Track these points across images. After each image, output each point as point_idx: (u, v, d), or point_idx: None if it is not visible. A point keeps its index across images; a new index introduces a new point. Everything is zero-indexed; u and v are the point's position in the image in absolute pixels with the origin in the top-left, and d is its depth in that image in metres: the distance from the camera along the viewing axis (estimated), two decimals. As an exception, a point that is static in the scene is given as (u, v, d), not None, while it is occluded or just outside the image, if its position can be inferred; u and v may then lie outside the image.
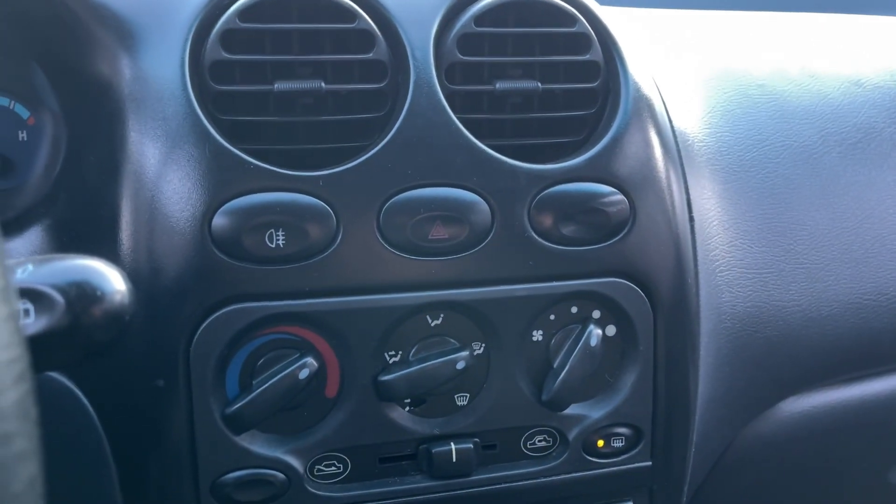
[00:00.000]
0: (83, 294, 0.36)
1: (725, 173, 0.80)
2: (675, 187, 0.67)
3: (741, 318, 0.78)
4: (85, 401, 0.59)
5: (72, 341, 0.36)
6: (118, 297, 0.37)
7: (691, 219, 0.70)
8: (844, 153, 0.85)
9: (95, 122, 0.60)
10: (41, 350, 0.34)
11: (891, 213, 0.85)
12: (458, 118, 0.59)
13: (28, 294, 0.35)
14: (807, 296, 0.81)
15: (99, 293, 0.36)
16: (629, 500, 0.67)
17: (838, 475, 0.97)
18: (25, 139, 0.63)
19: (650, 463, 0.67)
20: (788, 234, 0.81)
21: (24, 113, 0.63)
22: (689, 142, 0.78)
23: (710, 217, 0.76)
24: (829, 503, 1.00)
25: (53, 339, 0.35)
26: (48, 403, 0.60)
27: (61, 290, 0.35)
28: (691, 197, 0.73)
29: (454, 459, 0.61)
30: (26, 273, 0.35)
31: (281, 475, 0.58)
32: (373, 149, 0.57)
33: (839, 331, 0.83)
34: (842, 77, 0.91)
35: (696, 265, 0.70)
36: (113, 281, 0.37)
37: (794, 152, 0.84)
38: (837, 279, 0.82)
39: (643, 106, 0.65)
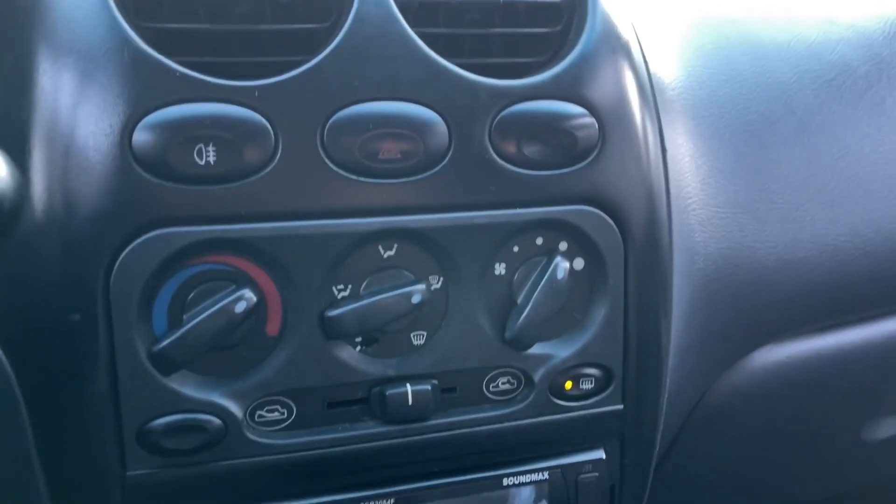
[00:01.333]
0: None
1: (698, 109, 0.76)
2: (646, 115, 0.62)
3: (714, 260, 0.74)
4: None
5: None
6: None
7: (663, 149, 0.66)
8: (819, 90, 0.82)
9: None
10: None
11: (867, 153, 0.82)
12: (412, 31, 0.54)
13: None
14: (781, 237, 0.77)
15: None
16: (600, 449, 0.63)
17: (813, 430, 0.94)
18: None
19: (621, 407, 0.62)
20: (763, 173, 0.77)
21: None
22: (661, 74, 0.74)
23: (682, 153, 0.72)
24: (804, 460, 0.98)
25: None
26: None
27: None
28: (663, 130, 0.69)
29: (410, 402, 0.56)
30: None
31: (216, 420, 0.52)
32: (315, 58, 0.52)
33: (814, 274, 0.79)
34: (816, 15, 0.88)
35: (668, 198, 0.66)
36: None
37: (769, 89, 0.80)
38: (813, 220, 0.78)
39: (612, 29, 0.60)
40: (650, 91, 0.66)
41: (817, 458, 0.98)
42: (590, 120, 0.58)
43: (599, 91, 0.58)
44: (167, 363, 0.51)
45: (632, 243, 0.61)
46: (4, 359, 0.52)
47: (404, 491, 0.57)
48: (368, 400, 0.57)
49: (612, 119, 0.59)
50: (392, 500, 0.57)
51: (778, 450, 0.95)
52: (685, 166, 0.72)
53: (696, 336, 0.75)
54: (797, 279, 0.79)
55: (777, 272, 0.78)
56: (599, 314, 0.60)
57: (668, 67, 0.76)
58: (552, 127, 0.56)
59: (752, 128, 0.77)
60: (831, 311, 0.83)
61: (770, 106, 0.79)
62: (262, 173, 0.50)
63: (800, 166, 0.79)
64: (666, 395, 0.68)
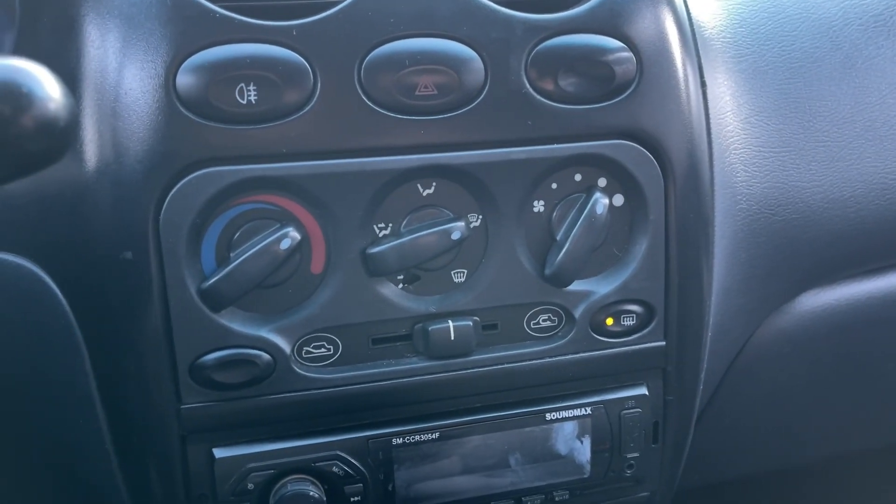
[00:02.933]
0: (11, 98, 0.31)
1: (738, 47, 0.74)
2: (684, 51, 0.61)
3: (758, 200, 0.73)
4: (51, 283, 0.55)
5: (1, 151, 0.31)
6: (51, 104, 0.32)
7: (703, 83, 0.65)
8: (866, 25, 0.79)
9: None
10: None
11: (917, 88, 0.79)
12: None
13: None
14: (827, 176, 0.76)
15: (28, 97, 0.32)
16: (643, 385, 0.63)
17: (861, 376, 0.92)
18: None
19: (663, 343, 0.62)
20: (807, 111, 0.76)
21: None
22: (699, 12, 0.72)
23: (723, 91, 0.71)
24: (851, 407, 0.96)
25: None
26: (12, 290, 0.56)
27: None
28: (703, 67, 0.67)
29: (452, 338, 0.57)
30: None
31: (265, 355, 0.54)
32: None
33: (862, 213, 0.78)
34: (862, -52, 0.85)
35: (709, 134, 0.65)
36: (45, 84, 0.32)
37: (813, 25, 0.78)
38: (860, 158, 0.76)
39: None
40: (689, 27, 0.64)
41: (864, 405, 0.97)
42: (627, 54, 0.57)
43: (636, 25, 0.58)
44: (216, 299, 0.52)
45: (672, 179, 0.60)
46: (62, 296, 0.54)
47: (449, 425, 0.59)
48: (411, 336, 0.58)
49: (649, 53, 0.58)
50: (437, 434, 0.58)
51: (824, 396, 0.93)
52: (726, 105, 0.71)
53: (739, 276, 0.74)
54: (844, 219, 0.77)
55: (823, 211, 0.76)
56: (640, 250, 0.60)
57: (707, 5, 0.74)
58: (589, 60, 0.56)
59: (795, 65, 0.75)
60: (880, 251, 0.81)
61: (814, 42, 0.77)
62: (302, 112, 0.51)
63: (846, 103, 0.77)
64: (709, 334, 0.67)
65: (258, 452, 0.55)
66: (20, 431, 0.59)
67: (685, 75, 0.61)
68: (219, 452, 0.55)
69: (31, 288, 0.55)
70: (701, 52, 0.67)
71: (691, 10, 0.68)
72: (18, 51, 0.57)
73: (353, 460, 0.56)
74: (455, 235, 0.55)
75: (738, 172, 0.71)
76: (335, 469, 0.56)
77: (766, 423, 0.93)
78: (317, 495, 0.55)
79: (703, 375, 0.68)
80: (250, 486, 0.55)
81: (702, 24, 0.71)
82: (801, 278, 0.80)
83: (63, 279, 0.54)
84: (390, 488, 0.58)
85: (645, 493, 0.67)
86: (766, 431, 0.95)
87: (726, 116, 0.71)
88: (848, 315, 0.85)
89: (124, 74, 0.50)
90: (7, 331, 0.57)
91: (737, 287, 0.74)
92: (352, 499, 0.57)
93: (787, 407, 0.92)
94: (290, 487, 0.55)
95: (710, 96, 0.68)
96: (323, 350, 0.57)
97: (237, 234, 0.53)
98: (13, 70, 0.31)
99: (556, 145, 0.56)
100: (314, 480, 0.56)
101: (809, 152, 0.75)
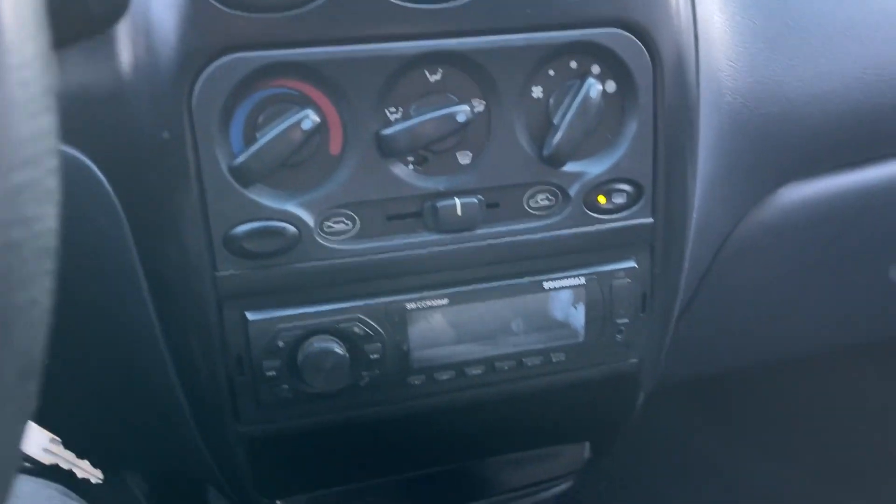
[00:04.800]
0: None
1: (726, -54, 0.78)
2: None
3: (742, 94, 0.78)
4: (96, 169, 0.60)
5: (68, 12, 0.36)
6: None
7: (690, -22, 0.69)
8: (850, -76, 0.82)
9: None
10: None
11: (897, -14, 0.83)
12: None
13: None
14: (809, 71, 0.80)
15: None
16: (632, 259, 0.69)
17: (841, 270, 0.99)
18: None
19: (651, 220, 0.68)
20: (791, 8, 0.80)
21: None
22: None
23: (710, -13, 0.75)
24: (832, 302, 1.03)
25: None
26: (62, 179, 0.61)
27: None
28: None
29: (459, 213, 0.63)
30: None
31: (291, 227, 0.60)
32: None
33: (841, 108, 0.82)
34: None
35: (695, 27, 0.69)
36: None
37: (799, -76, 0.81)
38: (841, 54, 0.81)
39: None
40: None
41: (845, 300, 1.03)
42: None
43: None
44: (246, 175, 0.58)
45: (660, 67, 0.65)
46: (105, 181, 0.60)
47: (457, 292, 0.65)
48: (422, 213, 0.63)
49: None
50: (446, 300, 0.65)
51: (805, 290, 1.00)
52: (713, 2, 0.75)
53: (723, 168, 0.79)
54: (824, 112, 0.82)
55: (804, 106, 0.81)
56: (630, 132, 0.65)
57: None
58: None
59: (781, -36, 0.79)
60: (858, 144, 0.86)
61: (799, -59, 0.80)
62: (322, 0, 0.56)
63: (828, 1, 0.81)
64: (694, 216, 0.73)
65: (287, 315, 0.62)
66: (74, 311, 0.66)
67: None
68: (251, 315, 0.61)
69: (77, 174, 0.60)
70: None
71: None
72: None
73: (372, 322, 0.63)
74: (460, 118, 0.60)
75: (723, 67, 0.76)
76: (356, 329, 0.63)
77: (750, 313, 1.00)
78: (340, 351, 0.62)
79: (688, 252, 0.74)
80: (280, 344, 0.61)
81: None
82: (783, 171, 0.86)
83: (107, 165, 0.59)
84: (405, 348, 0.65)
85: (634, 360, 0.74)
86: (750, 322, 1.02)
87: (713, 13, 0.75)
88: (827, 206, 0.90)
89: (154, -33, 0.55)
90: (60, 218, 0.62)
91: (721, 178, 0.80)
92: (371, 356, 0.63)
93: (771, 296, 0.99)
94: (315, 345, 0.62)
95: (696, -9, 0.72)
96: (342, 225, 0.62)
97: (261, 117, 0.58)
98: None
99: (552, 33, 0.61)
100: (337, 340, 0.62)
101: (792, 49, 0.79)
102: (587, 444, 0.88)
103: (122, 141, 0.58)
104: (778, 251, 0.92)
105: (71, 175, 0.62)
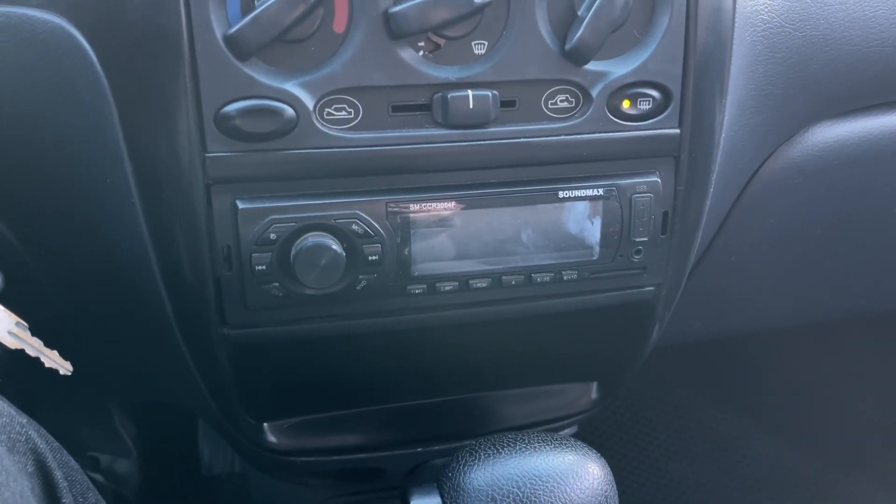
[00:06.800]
0: None
1: None
2: None
3: (779, 13, 0.73)
4: (79, 37, 0.55)
5: None
6: None
7: None
8: None
9: None
10: None
11: None
12: None
13: None
14: (854, -8, 0.75)
15: None
16: (655, 173, 0.64)
17: (869, 220, 0.93)
18: None
19: (678, 130, 0.63)
20: (835, -76, 0.74)
21: None
22: None
23: None
24: (857, 257, 0.98)
25: None
26: (42, 47, 0.57)
27: None
28: None
29: (471, 107, 0.58)
30: None
31: (289, 109, 0.55)
32: None
33: (884, 35, 0.77)
34: None
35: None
36: None
37: None
38: (888, -24, 0.75)
39: None
40: None
41: (870, 254, 0.98)
42: None
43: None
44: (242, 46, 0.53)
45: None
46: (90, 49, 0.55)
47: (464, 195, 0.60)
48: (430, 107, 0.59)
49: None
50: (453, 203, 0.60)
51: (825, 250, 0.94)
52: None
53: (755, 92, 0.74)
54: (866, 39, 0.76)
55: (845, 30, 0.76)
56: (660, 30, 0.60)
57: None
58: None
59: None
60: (899, 79, 0.81)
61: None
62: None
63: (876, -81, 0.75)
64: (722, 133, 0.68)
65: (281, 206, 0.57)
66: (49, 191, 0.61)
67: None
68: (242, 203, 0.57)
69: (59, 43, 0.56)
70: None
71: None
72: None
73: (372, 221, 0.58)
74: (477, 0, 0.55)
75: (762, -18, 0.71)
76: (355, 227, 0.58)
77: (765, 272, 0.95)
78: (337, 248, 0.57)
79: (714, 175, 0.69)
80: (273, 236, 0.57)
81: None
82: (817, 104, 0.80)
83: (91, 31, 0.55)
84: (406, 252, 0.60)
85: (651, 287, 0.69)
86: (764, 281, 0.97)
87: (754, -78, 0.70)
88: (859, 148, 0.85)
89: None
90: (38, 89, 0.58)
91: (752, 104, 0.74)
92: (370, 257, 0.59)
93: (794, 247, 0.93)
94: (311, 240, 0.57)
95: None
96: (344, 113, 0.58)
97: (261, -16, 0.54)
98: None
99: (581, -88, 0.56)
100: (334, 237, 0.58)
101: (837, -34, 0.74)
102: (595, 385, 0.83)
103: (108, 4, 0.54)
104: (805, 191, 0.86)
105: (51, 43, 0.58)
